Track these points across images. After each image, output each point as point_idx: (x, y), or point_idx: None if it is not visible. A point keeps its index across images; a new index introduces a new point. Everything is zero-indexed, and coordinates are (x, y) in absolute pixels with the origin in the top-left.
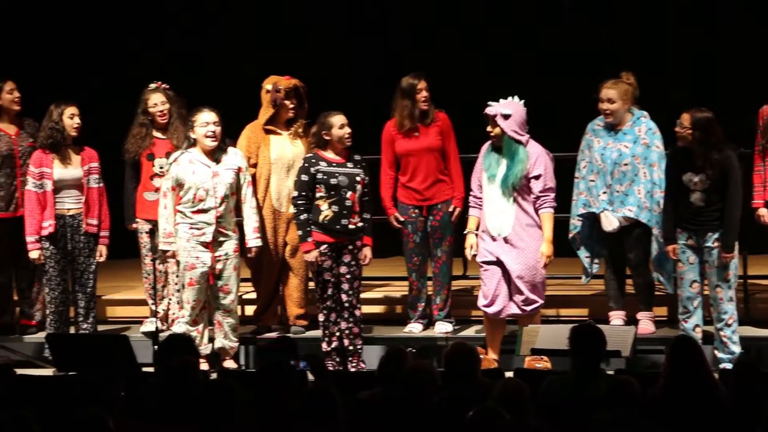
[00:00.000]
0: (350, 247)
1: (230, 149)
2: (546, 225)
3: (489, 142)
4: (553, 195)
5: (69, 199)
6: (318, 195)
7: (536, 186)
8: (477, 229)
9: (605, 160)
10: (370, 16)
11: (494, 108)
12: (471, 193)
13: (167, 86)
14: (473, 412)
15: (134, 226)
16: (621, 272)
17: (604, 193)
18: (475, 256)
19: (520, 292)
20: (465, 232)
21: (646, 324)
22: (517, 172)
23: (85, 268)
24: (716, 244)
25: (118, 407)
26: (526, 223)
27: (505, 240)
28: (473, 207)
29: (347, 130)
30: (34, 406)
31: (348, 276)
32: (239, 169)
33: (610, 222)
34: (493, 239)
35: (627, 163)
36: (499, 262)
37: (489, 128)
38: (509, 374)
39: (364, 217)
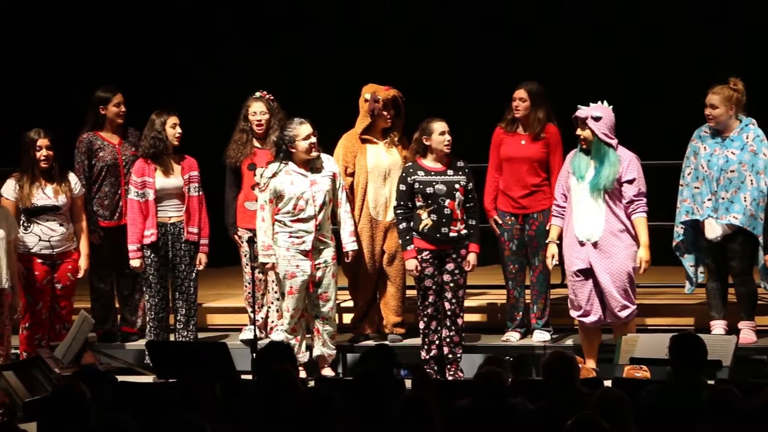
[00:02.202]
0: (454, 255)
1: (323, 155)
2: (642, 230)
3: (576, 150)
4: (645, 200)
5: (170, 207)
6: (417, 204)
7: (629, 190)
8: (558, 238)
9: (711, 166)
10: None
11: (584, 111)
12: (555, 202)
13: (272, 97)
14: (572, 421)
15: (236, 236)
16: (724, 281)
17: (709, 200)
18: (555, 265)
19: (614, 299)
20: (547, 242)
21: (747, 333)
22: (608, 174)
23: (186, 276)
24: None
25: (216, 414)
26: (618, 228)
27: (595, 245)
28: (556, 216)
29: (447, 137)
30: (134, 413)
31: (451, 284)
32: (334, 175)
33: (713, 230)
34: (582, 245)
35: (733, 170)
36: (589, 270)
37: (578, 131)
38: (608, 383)
39: (469, 224)
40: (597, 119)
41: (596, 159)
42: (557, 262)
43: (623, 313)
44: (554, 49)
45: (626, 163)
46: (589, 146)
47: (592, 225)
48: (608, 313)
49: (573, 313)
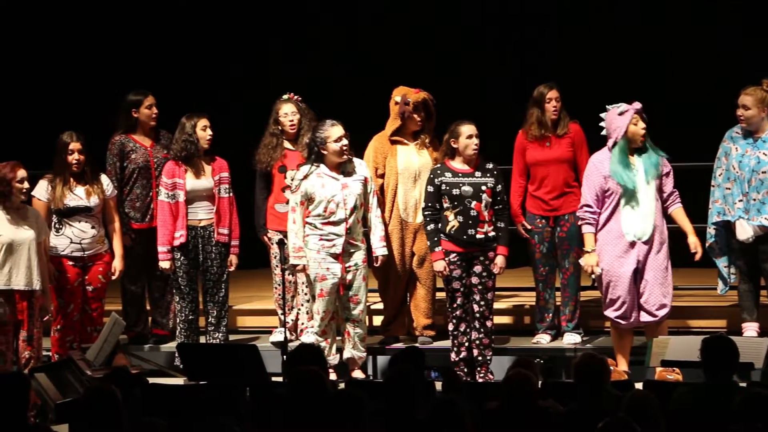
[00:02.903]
0: (481, 257)
1: (355, 160)
2: (686, 219)
3: (601, 155)
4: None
5: (201, 209)
6: (444, 206)
7: (669, 183)
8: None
9: (743, 167)
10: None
11: (637, 105)
12: (587, 208)
13: (299, 98)
14: (603, 423)
15: (266, 238)
16: (756, 283)
17: (740, 201)
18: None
19: (655, 297)
20: (586, 250)
21: None
22: (655, 162)
23: (216, 278)
24: None
25: (247, 416)
26: (662, 224)
27: (644, 243)
28: (590, 224)
29: (475, 141)
30: (165, 415)
31: (479, 287)
32: (365, 179)
33: (745, 231)
34: (632, 245)
35: (765, 171)
36: (629, 270)
37: (643, 127)
38: (639, 386)
39: (498, 226)
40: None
41: (637, 153)
42: (601, 270)
43: (661, 312)
44: (576, 48)
45: (662, 157)
46: (643, 140)
47: (644, 223)
48: (643, 314)
49: (609, 314)
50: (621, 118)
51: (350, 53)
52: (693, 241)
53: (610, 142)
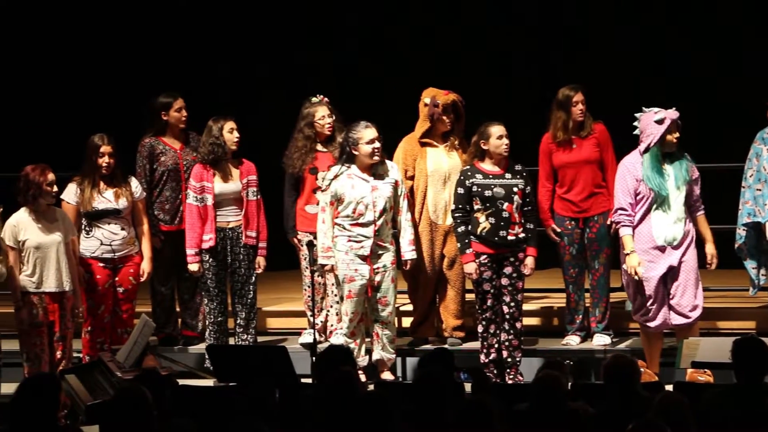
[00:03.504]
0: (512, 258)
1: (387, 162)
2: (707, 227)
3: (633, 158)
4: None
5: (229, 212)
6: (475, 207)
7: (697, 190)
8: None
9: None
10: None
11: (672, 112)
12: (623, 212)
13: (327, 99)
14: (633, 425)
15: (296, 240)
16: None
17: None
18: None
19: (687, 299)
20: (627, 253)
21: None
22: (686, 167)
23: (245, 280)
24: None
25: (276, 417)
26: (692, 228)
27: (675, 247)
28: (627, 225)
29: (505, 141)
30: (195, 416)
31: (509, 288)
32: (396, 183)
33: None
34: (662, 250)
35: None
36: (659, 275)
37: (677, 135)
38: (669, 388)
39: (527, 227)
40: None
41: (668, 159)
42: (644, 270)
43: (694, 314)
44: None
45: (692, 164)
46: (675, 147)
47: (675, 227)
48: (675, 316)
49: (637, 318)
50: (658, 126)
51: (376, 53)
52: (710, 251)
53: (642, 147)
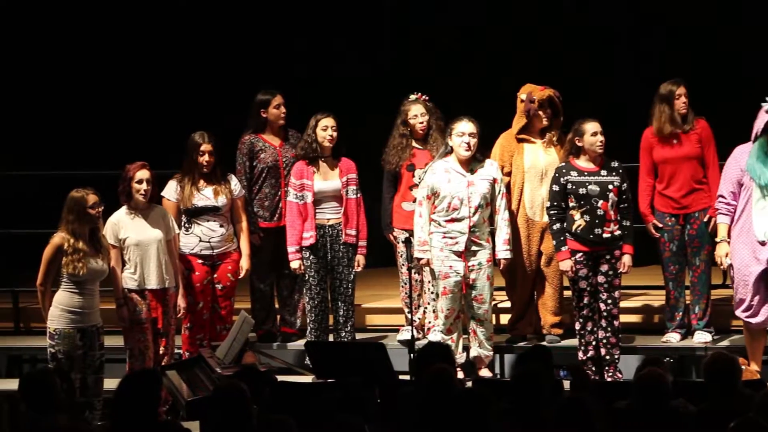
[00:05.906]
0: (608, 256)
1: (487, 160)
2: None
3: (744, 147)
4: None
5: (329, 209)
6: (570, 205)
7: None
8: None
9: None
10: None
11: None
12: (722, 199)
13: (426, 97)
14: (735, 424)
15: (392, 236)
16: None
17: None
18: (729, 265)
19: None
20: (717, 240)
21: None
22: None
23: (344, 277)
24: None
25: (374, 414)
26: None
27: None
28: (724, 214)
29: (600, 138)
30: (294, 413)
31: (606, 285)
32: (494, 180)
33: None
34: (762, 244)
35: None
36: (759, 270)
37: None
38: None
39: (623, 224)
40: None
41: None
42: (731, 261)
43: None
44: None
45: None
46: None
47: None
48: None
49: (740, 313)
50: (765, 116)
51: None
52: None
53: (753, 136)
